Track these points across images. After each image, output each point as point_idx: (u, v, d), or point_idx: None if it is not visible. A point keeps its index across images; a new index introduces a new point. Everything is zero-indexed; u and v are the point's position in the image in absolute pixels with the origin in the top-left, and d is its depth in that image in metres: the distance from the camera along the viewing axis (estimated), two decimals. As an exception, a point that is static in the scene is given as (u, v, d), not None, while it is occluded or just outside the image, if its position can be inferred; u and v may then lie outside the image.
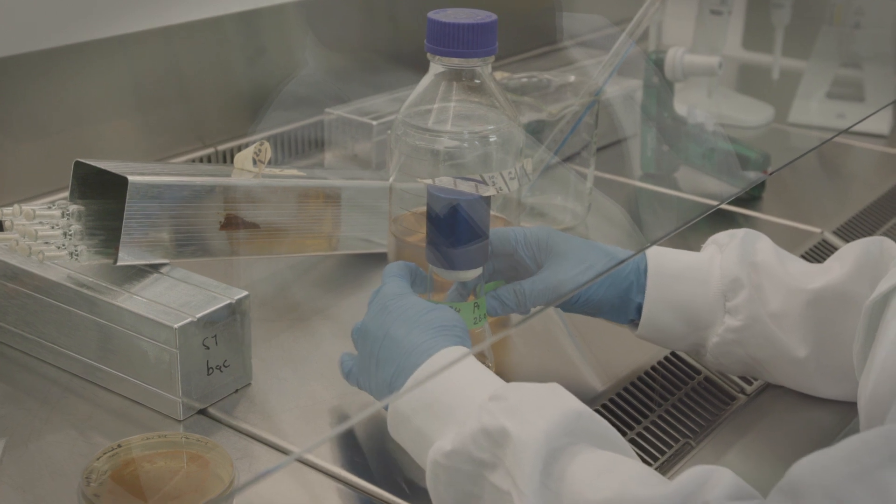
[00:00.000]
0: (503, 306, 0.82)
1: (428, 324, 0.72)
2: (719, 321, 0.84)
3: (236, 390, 0.84)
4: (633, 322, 0.86)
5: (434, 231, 0.78)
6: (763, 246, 0.85)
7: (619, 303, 0.85)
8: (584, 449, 0.62)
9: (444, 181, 0.79)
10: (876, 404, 0.63)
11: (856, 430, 0.86)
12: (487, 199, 0.78)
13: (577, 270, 0.82)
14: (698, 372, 0.92)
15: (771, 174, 1.24)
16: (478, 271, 0.80)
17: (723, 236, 0.87)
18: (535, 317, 0.95)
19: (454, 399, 0.67)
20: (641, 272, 0.84)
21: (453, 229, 0.77)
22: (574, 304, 0.85)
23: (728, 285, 0.83)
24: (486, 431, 0.63)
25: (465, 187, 0.78)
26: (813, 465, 0.55)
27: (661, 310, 0.84)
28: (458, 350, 0.71)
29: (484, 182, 0.79)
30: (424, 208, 0.90)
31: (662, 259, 0.85)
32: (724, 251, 0.85)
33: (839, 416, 0.86)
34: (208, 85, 1.21)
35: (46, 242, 0.83)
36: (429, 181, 0.80)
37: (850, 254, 0.85)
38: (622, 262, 0.84)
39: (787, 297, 0.83)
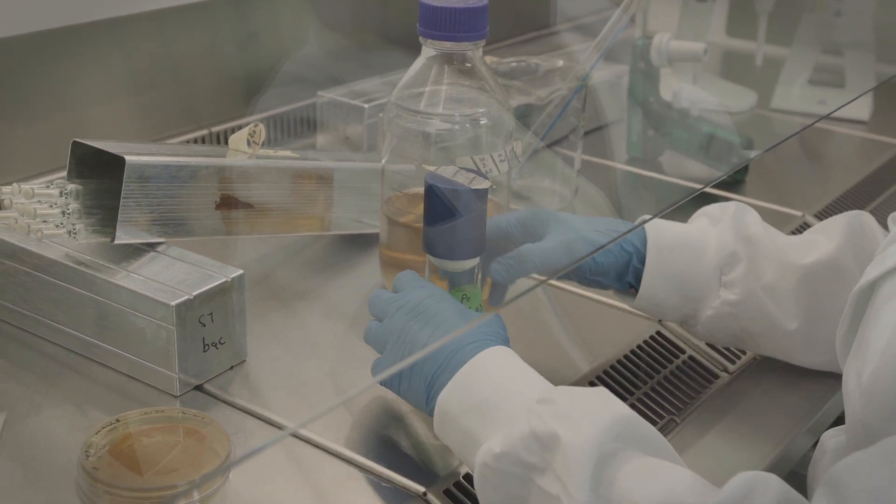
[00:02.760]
0: (510, 269, 0.81)
1: (471, 326, 0.72)
2: (714, 294, 0.85)
3: (231, 367, 0.85)
4: (632, 288, 0.87)
5: (429, 220, 0.79)
6: (753, 219, 0.87)
7: (623, 269, 0.85)
8: (632, 455, 0.63)
9: (448, 170, 0.80)
10: (879, 392, 0.63)
11: (838, 408, 0.88)
12: (484, 192, 0.78)
13: (582, 232, 0.82)
14: (683, 351, 0.93)
15: (753, 158, 1.26)
16: (473, 262, 0.80)
17: (714, 209, 0.88)
18: (522, 297, 0.97)
19: (502, 400, 0.67)
20: (641, 241, 0.85)
21: (449, 220, 0.77)
22: (581, 269, 0.85)
23: (725, 259, 0.84)
24: (536, 435, 0.64)
25: (463, 178, 0.79)
26: (853, 469, 0.57)
27: (660, 282, 0.84)
28: (503, 350, 0.71)
29: (483, 174, 0.80)
30: (416, 189, 0.91)
31: (660, 231, 0.86)
32: (719, 225, 0.86)
33: (821, 394, 0.88)
34: (201, 68, 1.21)
35: (45, 221, 0.83)
36: (432, 168, 0.81)
37: (835, 227, 0.87)
38: (636, 226, 0.84)
39: (781, 272, 0.84)
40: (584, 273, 0.86)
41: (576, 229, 0.83)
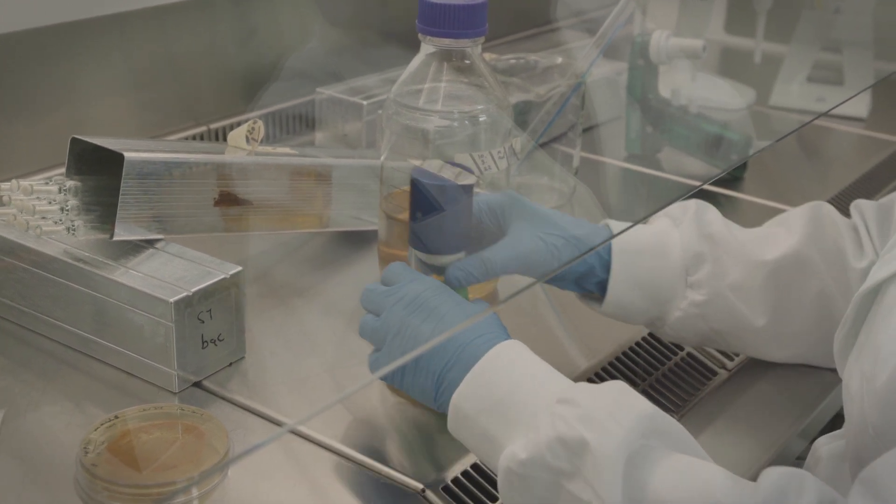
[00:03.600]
0: (468, 276, 0.79)
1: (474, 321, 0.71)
2: (680, 296, 0.84)
3: (230, 364, 0.85)
4: (592, 295, 0.86)
5: (415, 215, 0.79)
6: (713, 217, 0.86)
7: (583, 275, 0.83)
8: (661, 454, 0.62)
9: (433, 165, 0.79)
10: None
11: (835, 406, 0.88)
12: (470, 187, 0.78)
13: (541, 235, 0.81)
14: (681, 348, 0.93)
15: (752, 155, 1.26)
16: (458, 256, 0.80)
17: (675, 209, 0.87)
18: (520, 294, 0.97)
19: (521, 399, 0.66)
20: (604, 247, 0.83)
21: (434, 215, 0.77)
22: (542, 277, 0.83)
23: (690, 260, 0.84)
24: (563, 440, 0.63)
25: (450, 173, 0.78)
26: (892, 469, 0.57)
27: (626, 287, 0.83)
28: (515, 344, 0.70)
29: (469, 169, 0.80)
30: (414, 186, 0.91)
31: (624, 235, 0.84)
32: (682, 226, 0.85)
33: (819, 391, 0.88)
34: (200, 64, 1.21)
35: (44, 217, 0.83)
36: (417, 162, 0.80)
37: (796, 220, 0.87)
38: (605, 241, 0.83)
39: (747, 269, 0.84)
40: (546, 280, 0.84)
41: (541, 231, 0.81)
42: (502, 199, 0.83)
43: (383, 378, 0.77)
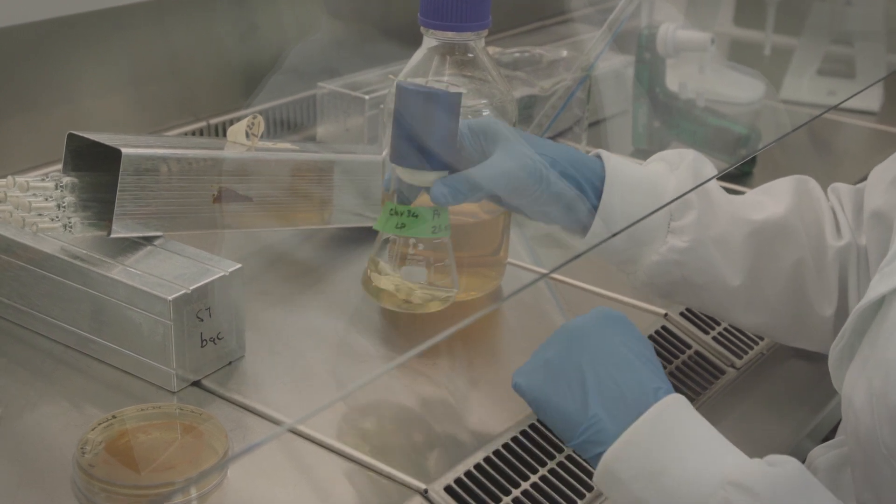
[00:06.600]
0: (455, 192, 0.77)
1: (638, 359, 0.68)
2: (660, 240, 0.82)
3: (230, 362, 0.85)
4: (579, 228, 0.83)
5: (400, 128, 0.76)
6: (709, 170, 0.85)
7: (573, 204, 0.81)
8: None
9: (418, 81, 0.77)
10: None
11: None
12: (458, 98, 0.75)
13: (528, 153, 0.78)
14: (689, 346, 0.93)
15: (761, 150, 1.25)
16: (442, 174, 0.77)
17: (671, 154, 0.86)
18: (525, 290, 0.96)
19: (685, 476, 0.61)
20: (600, 180, 0.82)
21: (421, 125, 0.74)
22: (531, 200, 0.79)
23: (677, 204, 0.82)
24: None
25: (437, 86, 0.76)
26: None
27: (612, 220, 0.81)
28: (680, 402, 0.65)
29: (456, 84, 0.78)
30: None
31: (618, 170, 0.82)
32: (678, 171, 0.84)
33: (828, 391, 0.87)
34: (200, 59, 1.21)
35: (40, 214, 0.83)
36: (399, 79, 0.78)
37: (782, 189, 0.86)
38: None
39: (731, 225, 0.83)
40: (534, 205, 0.80)
41: (527, 150, 0.78)
42: (484, 123, 0.80)
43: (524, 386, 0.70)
